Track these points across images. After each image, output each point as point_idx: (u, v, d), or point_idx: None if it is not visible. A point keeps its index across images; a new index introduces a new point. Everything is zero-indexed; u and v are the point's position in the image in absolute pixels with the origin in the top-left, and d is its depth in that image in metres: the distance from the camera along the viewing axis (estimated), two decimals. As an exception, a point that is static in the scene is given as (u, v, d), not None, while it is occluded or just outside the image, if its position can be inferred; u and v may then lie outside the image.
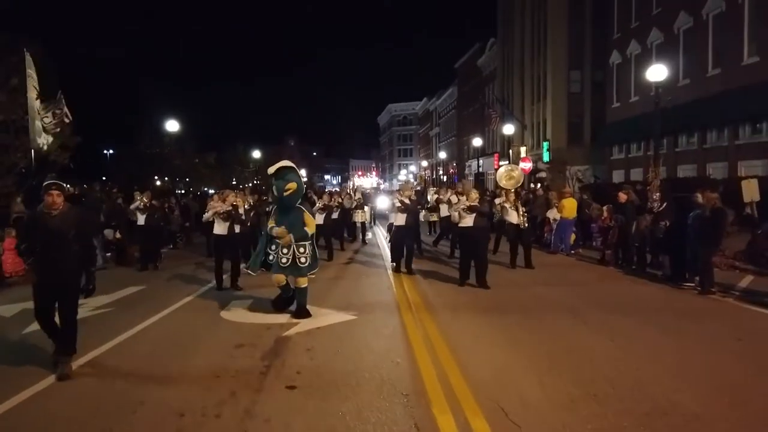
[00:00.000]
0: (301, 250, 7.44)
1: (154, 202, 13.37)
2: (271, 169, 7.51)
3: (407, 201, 11.44)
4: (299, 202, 7.64)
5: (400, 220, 11.30)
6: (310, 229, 7.52)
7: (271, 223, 7.55)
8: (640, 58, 26.80)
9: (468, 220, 9.82)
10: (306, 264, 7.49)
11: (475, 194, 10.11)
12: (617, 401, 4.62)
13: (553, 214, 15.09)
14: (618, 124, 28.98)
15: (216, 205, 10.25)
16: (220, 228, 10.14)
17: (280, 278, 7.61)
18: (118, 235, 13.56)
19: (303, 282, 7.58)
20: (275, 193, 7.51)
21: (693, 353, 5.95)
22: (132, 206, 12.90)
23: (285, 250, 7.42)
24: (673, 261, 10.49)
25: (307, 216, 7.56)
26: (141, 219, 12.66)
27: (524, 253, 12.18)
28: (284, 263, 7.43)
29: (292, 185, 7.36)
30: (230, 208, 10.05)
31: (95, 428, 4.31)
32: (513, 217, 12.03)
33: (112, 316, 8.15)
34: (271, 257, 7.56)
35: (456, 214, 10.07)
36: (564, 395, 4.77)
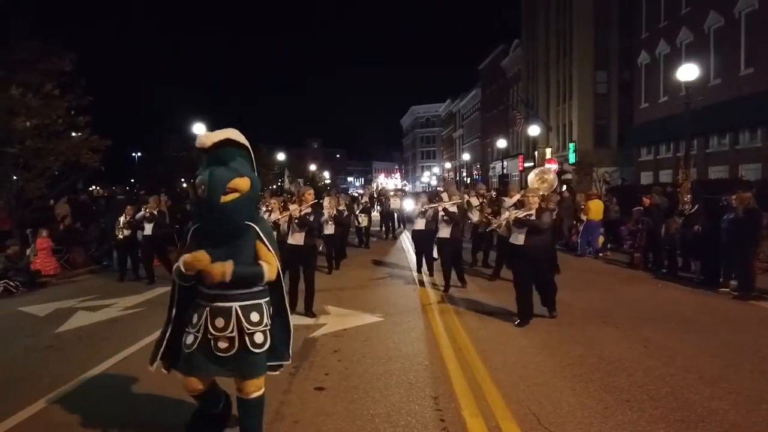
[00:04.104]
0: (254, 317, 3.57)
1: (163, 209, 12.51)
2: (209, 139, 3.52)
3: (454, 209, 9.52)
4: (249, 217, 3.65)
5: (444, 231, 9.58)
6: (269, 274, 3.60)
7: (190, 261, 3.42)
8: (669, 58, 26.31)
9: (519, 237, 7.42)
10: (263, 345, 3.61)
11: (534, 199, 7.46)
12: (651, 408, 4.52)
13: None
14: (646, 125, 28.47)
15: (294, 208, 8.13)
16: (294, 237, 7.97)
17: (195, 384, 3.64)
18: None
19: (255, 388, 3.67)
20: (201, 193, 3.50)
21: (730, 360, 5.78)
22: (138, 215, 11.63)
23: (220, 322, 3.51)
24: (705, 265, 10.25)
25: (263, 250, 3.63)
26: (148, 228, 11.51)
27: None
28: (222, 349, 3.52)
29: (241, 183, 3.50)
30: (309, 210, 7.90)
31: (128, 427, 4.36)
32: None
33: (142, 316, 8.28)
34: (190, 340, 3.56)
35: (504, 226, 7.84)
36: (597, 401, 4.68)
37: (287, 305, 3.86)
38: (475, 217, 12.19)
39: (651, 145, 28.74)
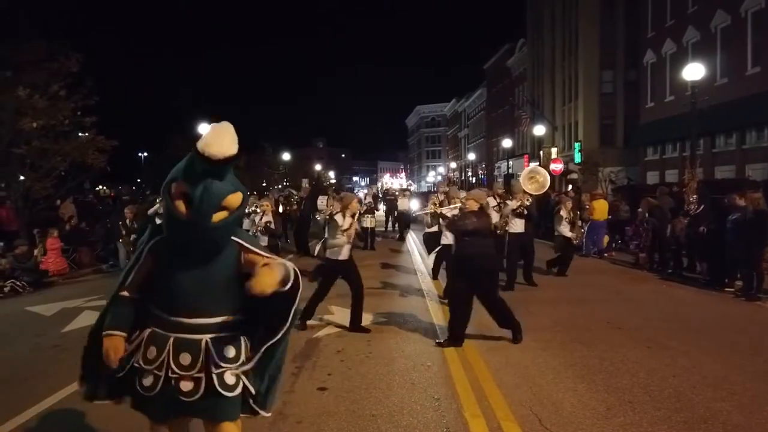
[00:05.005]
0: (229, 352, 2.70)
1: None
2: (223, 151, 2.56)
3: (454, 212, 8.29)
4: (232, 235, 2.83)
5: (449, 237, 8.42)
6: (261, 285, 2.45)
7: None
8: (675, 57, 26.20)
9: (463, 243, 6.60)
10: (234, 388, 2.71)
11: (471, 202, 6.56)
12: (654, 409, 4.52)
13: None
14: (652, 124, 28.38)
15: (350, 222, 7.05)
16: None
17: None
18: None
19: None
20: (186, 210, 2.61)
21: (733, 361, 5.78)
22: (150, 211, 11.33)
23: (185, 359, 2.64)
24: (711, 265, 10.22)
25: (254, 257, 2.77)
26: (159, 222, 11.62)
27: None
28: (186, 392, 2.66)
29: (233, 200, 2.70)
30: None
31: (133, 425, 4.39)
32: (566, 230, 11.07)
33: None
34: (149, 381, 2.70)
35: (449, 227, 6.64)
36: (599, 402, 4.68)
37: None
38: (494, 218, 11.48)
39: (657, 145, 28.64)
